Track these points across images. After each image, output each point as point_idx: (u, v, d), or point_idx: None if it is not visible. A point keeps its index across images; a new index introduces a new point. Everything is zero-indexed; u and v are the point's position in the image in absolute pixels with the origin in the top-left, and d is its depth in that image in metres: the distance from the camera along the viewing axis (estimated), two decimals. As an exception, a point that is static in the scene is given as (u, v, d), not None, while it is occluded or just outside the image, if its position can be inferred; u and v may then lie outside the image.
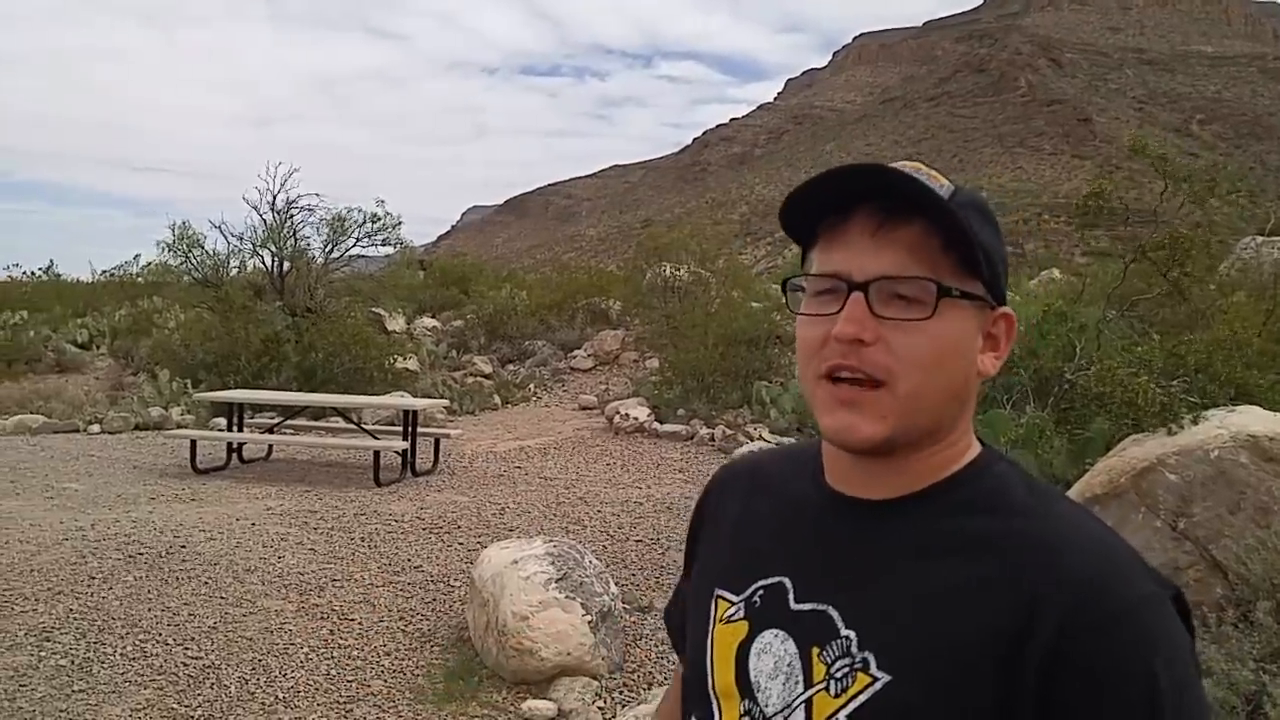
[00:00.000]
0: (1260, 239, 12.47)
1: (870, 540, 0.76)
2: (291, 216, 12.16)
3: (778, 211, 0.79)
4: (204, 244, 12.36)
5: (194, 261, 12.37)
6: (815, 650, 0.74)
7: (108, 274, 18.77)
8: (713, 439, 8.57)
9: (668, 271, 13.69)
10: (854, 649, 0.72)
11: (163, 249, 12.37)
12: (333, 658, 3.81)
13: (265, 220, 12.06)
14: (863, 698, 0.70)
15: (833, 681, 0.72)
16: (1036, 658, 0.66)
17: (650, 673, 3.78)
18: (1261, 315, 8.04)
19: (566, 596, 3.76)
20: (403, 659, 3.83)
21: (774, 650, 0.77)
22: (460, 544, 5.33)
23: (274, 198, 12.06)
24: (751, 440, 8.30)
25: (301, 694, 3.50)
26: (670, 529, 5.72)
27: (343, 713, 3.37)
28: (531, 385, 11.98)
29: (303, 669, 3.69)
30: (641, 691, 3.59)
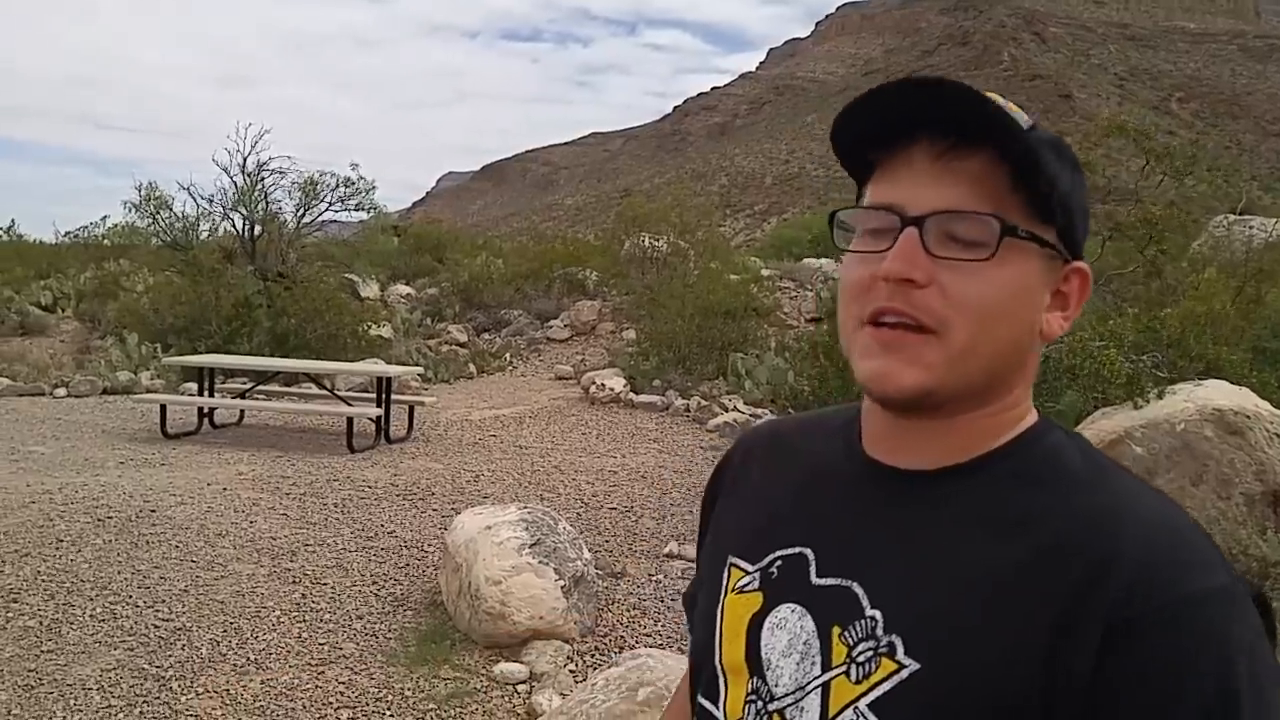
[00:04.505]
0: (1232, 217, 12.65)
1: (905, 514, 0.69)
2: (262, 179, 11.96)
3: (829, 133, 0.70)
4: (172, 206, 12.17)
5: (162, 224, 12.17)
6: (836, 629, 0.67)
7: (72, 235, 18.42)
8: (688, 410, 8.60)
9: (646, 242, 13.63)
10: (879, 631, 0.65)
11: (130, 210, 12.18)
12: (305, 621, 3.80)
13: (235, 183, 11.87)
14: (886, 686, 0.63)
15: (854, 666, 0.65)
16: (1089, 650, 0.58)
17: (621, 637, 3.82)
18: (1231, 292, 8.18)
19: (539, 562, 3.78)
20: (375, 622, 3.84)
21: (790, 626, 0.70)
22: (434, 510, 5.33)
23: (244, 160, 11.85)
24: (726, 411, 8.34)
25: (273, 655, 3.50)
26: (644, 498, 5.75)
27: (315, 674, 3.38)
28: (507, 354, 11.93)
29: (274, 631, 3.69)
30: (612, 655, 3.62)
